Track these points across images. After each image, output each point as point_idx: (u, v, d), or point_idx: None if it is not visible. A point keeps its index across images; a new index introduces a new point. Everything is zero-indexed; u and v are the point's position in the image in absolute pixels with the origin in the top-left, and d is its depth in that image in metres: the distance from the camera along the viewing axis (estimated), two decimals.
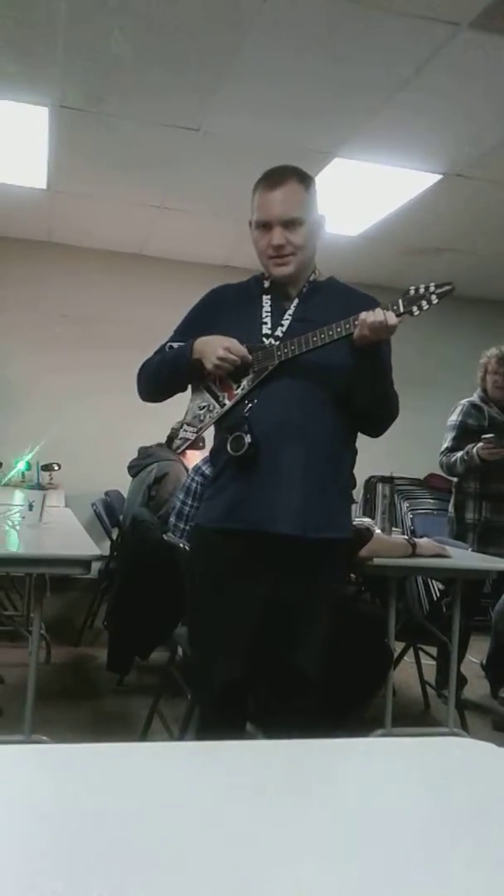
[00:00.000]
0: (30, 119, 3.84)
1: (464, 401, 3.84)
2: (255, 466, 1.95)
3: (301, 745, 0.86)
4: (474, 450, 3.59)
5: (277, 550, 1.95)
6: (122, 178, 4.56)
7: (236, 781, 0.78)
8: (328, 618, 2.06)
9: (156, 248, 5.95)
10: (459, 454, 3.64)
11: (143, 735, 2.93)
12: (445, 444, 3.79)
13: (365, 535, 2.72)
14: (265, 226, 2.01)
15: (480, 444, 3.57)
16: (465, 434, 3.73)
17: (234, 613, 1.98)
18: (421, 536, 3.40)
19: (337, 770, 0.83)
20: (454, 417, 3.83)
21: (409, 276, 1.90)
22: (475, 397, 3.83)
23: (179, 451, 2.25)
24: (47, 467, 5.25)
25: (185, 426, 2.14)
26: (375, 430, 2.12)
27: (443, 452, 3.79)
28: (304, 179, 2.04)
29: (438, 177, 4.20)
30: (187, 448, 2.23)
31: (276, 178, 2.01)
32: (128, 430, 4.72)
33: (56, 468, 5.38)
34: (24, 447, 5.36)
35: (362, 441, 2.20)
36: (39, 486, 2.94)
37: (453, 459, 3.67)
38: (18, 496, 3.76)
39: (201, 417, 2.09)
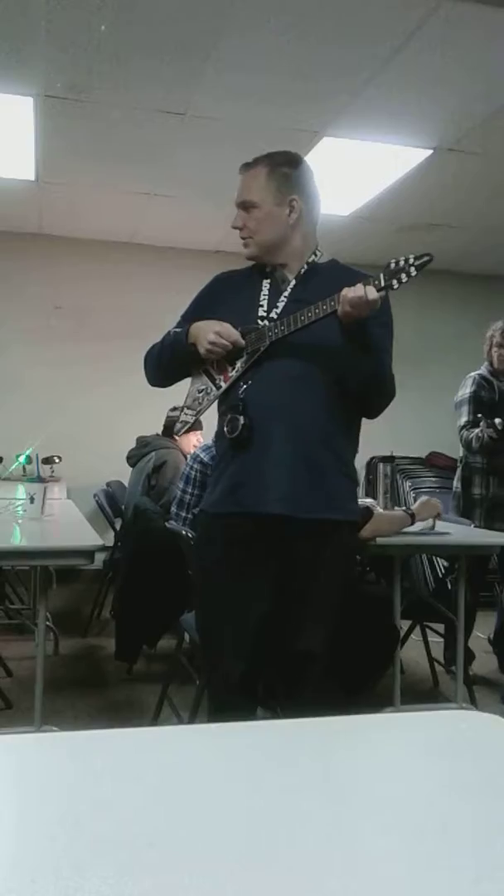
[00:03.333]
0: (15, 110, 3.80)
1: (473, 374, 3.79)
2: (250, 447, 1.97)
3: (310, 723, 0.86)
4: (484, 434, 3.53)
5: (275, 532, 1.95)
6: (110, 166, 4.53)
7: (247, 762, 0.78)
8: (333, 600, 2.05)
9: (147, 235, 5.92)
10: (475, 432, 3.60)
11: (154, 722, 2.94)
12: (465, 419, 3.68)
13: (364, 514, 2.71)
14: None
15: (490, 430, 3.52)
16: (480, 406, 3.68)
17: (241, 599, 1.99)
18: None
19: (346, 746, 0.83)
20: (466, 390, 3.74)
21: (403, 254, 1.88)
22: (483, 370, 3.79)
23: (180, 434, 2.30)
24: (48, 460, 5.25)
25: (185, 409, 2.18)
26: (370, 411, 2.12)
27: (464, 427, 3.67)
28: (274, 165, 2.06)
29: (429, 152, 4.16)
30: (187, 431, 2.27)
31: (247, 164, 2.09)
32: (127, 419, 4.72)
33: (56, 461, 5.38)
34: (21, 440, 5.35)
35: (361, 421, 2.19)
36: (40, 479, 2.94)
37: (471, 436, 3.62)
38: (20, 490, 3.76)
39: (200, 400, 2.13)
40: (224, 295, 2.16)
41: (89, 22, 3.03)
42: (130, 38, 3.15)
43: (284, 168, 2.06)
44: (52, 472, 5.29)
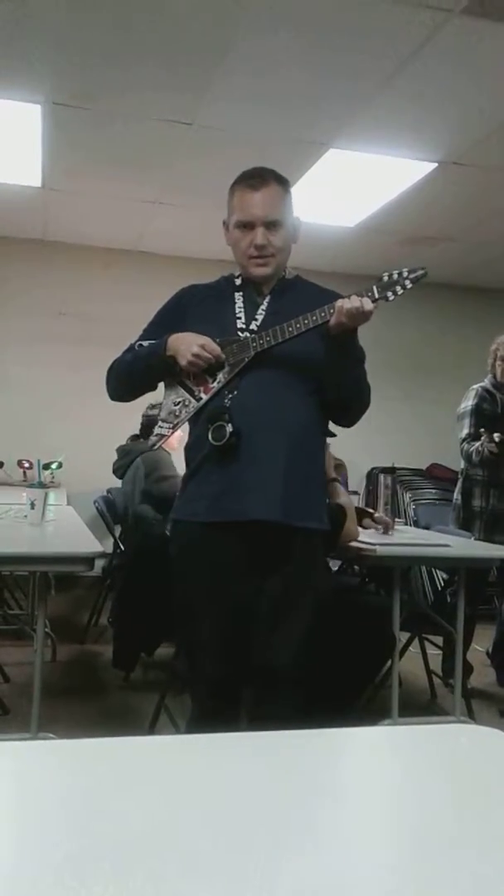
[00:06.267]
0: (22, 117, 3.83)
1: (476, 386, 3.80)
2: (237, 456, 1.96)
3: (308, 735, 0.85)
4: (484, 448, 3.53)
5: (261, 540, 1.95)
6: (116, 174, 4.55)
7: (244, 773, 0.77)
8: (309, 612, 2.03)
9: (152, 243, 5.94)
10: (475, 446, 3.60)
11: (151, 730, 2.93)
12: (466, 431, 3.69)
13: (342, 511, 2.69)
14: (246, 226, 2.04)
15: (490, 444, 3.51)
16: (482, 419, 3.68)
17: (222, 609, 1.98)
18: (425, 527, 3.39)
19: (344, 759, 0.83)
20: (469, 403, 3.74)
21: (406, 266, 1.90)
22: (486, 383, 3.80)
23: (156, 447, 2.24)
24: (48, 466, 5.25)
25: (160, 423, 2.14)
26: (348, 420, 2.15)
27: (465, 439, 3.68)
28: (282, 182, 2.08)
29: (434, 165, 4.18)
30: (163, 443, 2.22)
31: (257, 179, 2.05)
32: (128, 427, 4.72)
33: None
34: (23, 445, 5.35)
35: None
36: (41, 485, 2.93)
37: (472, 449, 3.62)
38: (20, 495, 3.76)
39: (177, 413, 2.10)
40: (193, 308, 2.14)
41: (97, 30, 3.05)
42: (138, 47, 3.16)
43: (289, 187, 2.09)
44: (53, 477, 5.29)
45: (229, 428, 1.94)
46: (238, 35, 3.04)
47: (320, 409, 2.07)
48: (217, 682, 2.01)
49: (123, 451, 4.30)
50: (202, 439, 2.00)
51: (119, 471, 4.28)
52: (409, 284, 1.89)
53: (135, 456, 4.14)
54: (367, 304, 1.86)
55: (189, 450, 2.13)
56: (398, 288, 1.89)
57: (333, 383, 2.01)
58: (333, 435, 2.27)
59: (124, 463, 4.21)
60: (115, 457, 4.59)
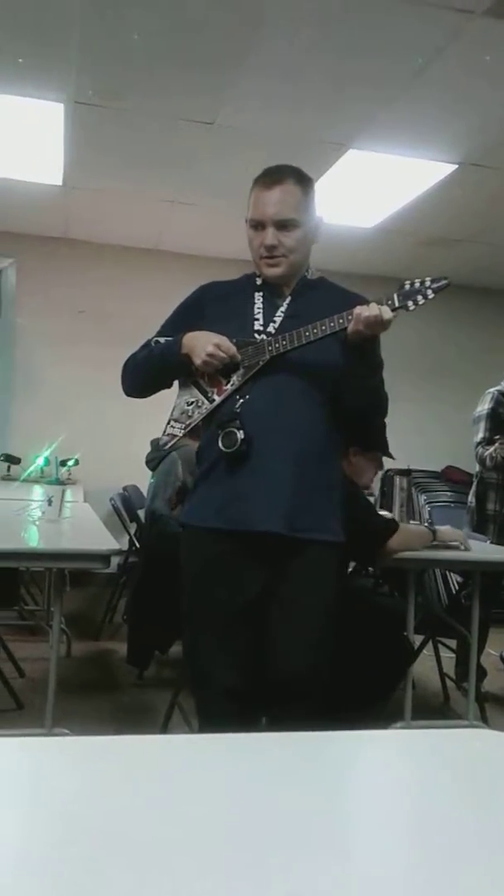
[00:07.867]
0: (45, 115, 3.84)
1: (492, 389, 3.79)
2: (247, 463, 1.92)
3: (321, 737, 0.86)
4: (497, 453, 3.51)
5: (267, 550, 1.92)
6: (137, 173, 4.56)
7: (257, 773, 0.78)
8: (321, 622, 1.99)
9: (171, 242, 5.95)
10: (489, 451, 3.58)
11: (164, 728, 2.94)
12: (481, 435, 3.68)
13: (391, 525, 2.68)
14: (259, 225, 1.99)
15: (497, 447, 3.51)
16: (497, 423, 3.67)
17: (226, 615, 1.96)
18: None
19: (357, 761, 0.83)
20: (485, 406, 3.73)
21: (425, 268, 1.88)
22: (502, 387, 3.78)
23: (167, 447, 2.21)
24: (65, 462, 5.29)
25: (171, 422, 2.11)
26: (364, 431, 2.11)
27: (480, 443, 3.68)
28: (303, 181, 2.01)
29: (454, 166, 4.16)
30: (175, 445, 2.20)
31: (273, 177, 1.99)
32: (145, 424, 4.70)
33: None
34: (41, 443, 5.39)
35: None
36: (58, 482, 2.95)
37: (486, 454, 3.61)
38: (38, 492, 3.79)
39: (189, 413, 2.06)
40: (213, 306, 2.10)
41: (121, 30, 3.06)
42: (161, 47, 3.17)
43: (311, 186, 2.03)
44: (70, 474, 5.33)
45: (240, 435, 1.90)
46: (260, 35, 3.04)
47: (335, 418, 2.01)
48: (221, 690, 1.97)
49: (158, 444, 4.28)
50: (213, 443, 1.97)
51: (152, 462, 4.27)
52: (430, 294, 1.83)
53: (173, 449, 4.12)
54: (387, 313, 1.81)
55: (201, 452, 2.10)
56: (419, 297, 1.83)
57: (350, 391, 1.97)
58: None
59: (157, 455, 4.20)
60: (132, 454, 4.60)
